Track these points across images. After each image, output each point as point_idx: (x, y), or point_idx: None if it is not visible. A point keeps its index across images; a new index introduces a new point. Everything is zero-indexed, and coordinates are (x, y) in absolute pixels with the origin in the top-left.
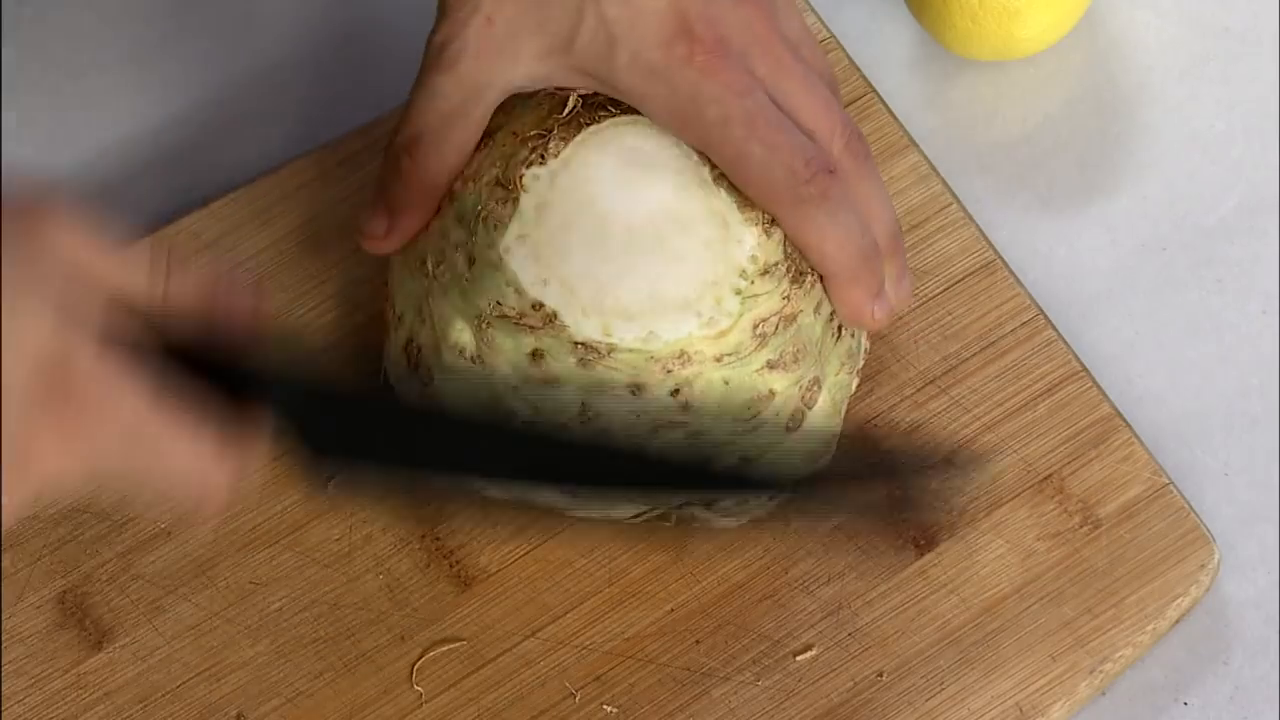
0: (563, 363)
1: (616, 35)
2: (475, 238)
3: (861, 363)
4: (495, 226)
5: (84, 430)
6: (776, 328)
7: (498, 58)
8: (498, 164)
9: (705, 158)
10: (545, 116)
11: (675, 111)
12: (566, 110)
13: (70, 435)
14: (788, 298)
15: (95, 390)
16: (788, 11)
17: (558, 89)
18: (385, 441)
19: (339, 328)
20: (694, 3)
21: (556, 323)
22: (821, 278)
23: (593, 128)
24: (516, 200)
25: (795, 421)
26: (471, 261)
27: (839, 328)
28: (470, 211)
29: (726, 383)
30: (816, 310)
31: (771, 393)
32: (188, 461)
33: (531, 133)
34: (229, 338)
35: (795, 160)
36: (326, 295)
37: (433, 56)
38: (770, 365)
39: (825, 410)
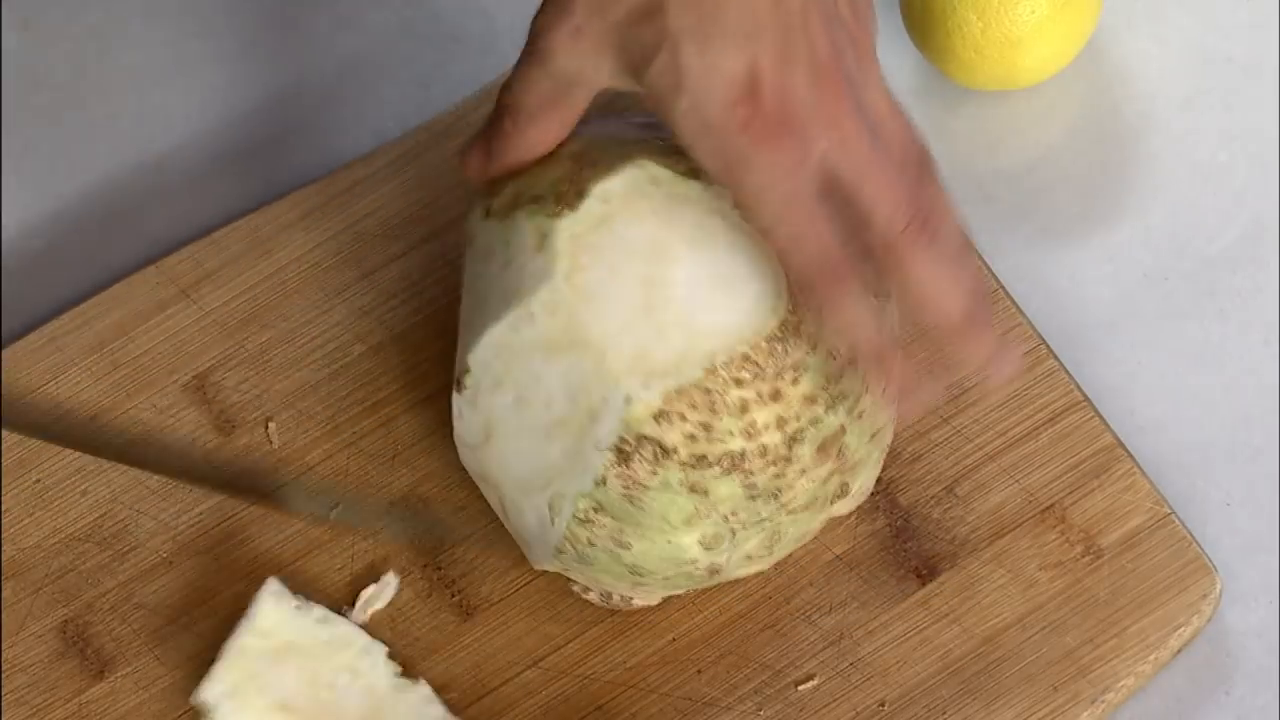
0: None
1: (684, 84)
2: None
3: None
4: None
5: None
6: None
7: (582, 65)
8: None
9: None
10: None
11: (719, 167)
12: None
13: None
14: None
15: None
16: (870, 84)
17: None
18: None
19: (341, 358)
20: (770, 70)
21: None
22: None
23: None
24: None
25: None
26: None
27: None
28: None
29: None
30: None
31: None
32: None
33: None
34: None
35: (815, 256)
36: (329, 325)
37: (531, 41)
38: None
39: None
